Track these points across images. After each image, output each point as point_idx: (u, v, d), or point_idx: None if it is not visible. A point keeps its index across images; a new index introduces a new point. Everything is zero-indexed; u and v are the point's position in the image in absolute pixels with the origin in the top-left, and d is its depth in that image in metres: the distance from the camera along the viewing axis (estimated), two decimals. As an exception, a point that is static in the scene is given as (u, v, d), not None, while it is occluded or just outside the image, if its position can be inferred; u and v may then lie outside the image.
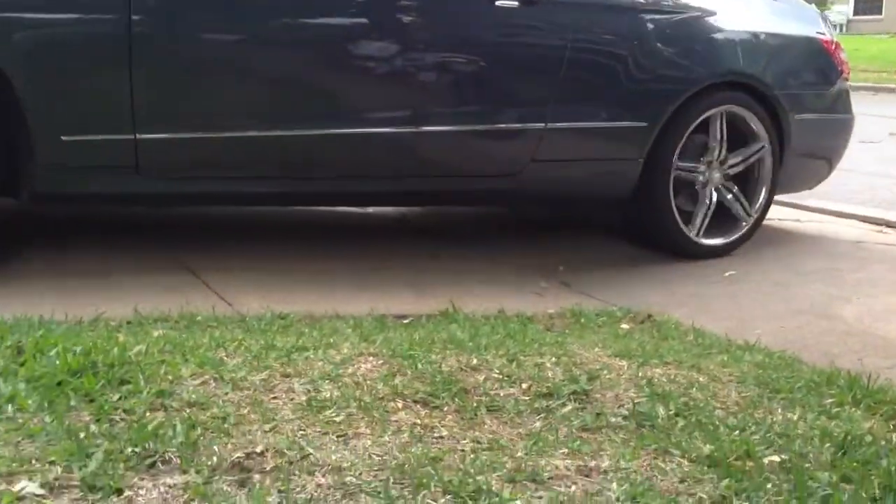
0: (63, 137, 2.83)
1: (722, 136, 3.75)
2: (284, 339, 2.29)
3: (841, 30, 29.53)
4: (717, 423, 1.90)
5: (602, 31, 3.58)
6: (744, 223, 3.86)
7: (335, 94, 3.29)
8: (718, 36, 3.79)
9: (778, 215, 4.82)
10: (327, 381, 1.97)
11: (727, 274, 3.59)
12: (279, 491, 1.44)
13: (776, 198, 5.05)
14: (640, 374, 2.24)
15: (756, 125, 3.81)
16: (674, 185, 3.68)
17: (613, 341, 2.58)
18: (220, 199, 3.45)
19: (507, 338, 2.51)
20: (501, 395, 2.03)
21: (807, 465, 1.69)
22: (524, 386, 2.09)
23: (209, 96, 3.06)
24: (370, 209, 4.53)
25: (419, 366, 2.15)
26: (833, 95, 4.13)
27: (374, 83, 3.30)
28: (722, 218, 3.83)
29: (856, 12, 30.81)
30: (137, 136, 2.90)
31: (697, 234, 3.75)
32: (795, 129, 3.89)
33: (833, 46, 4.13)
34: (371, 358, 2.20)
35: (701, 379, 2.24)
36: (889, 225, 4.57)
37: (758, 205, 3.89)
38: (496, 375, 2.15)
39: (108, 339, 2.05)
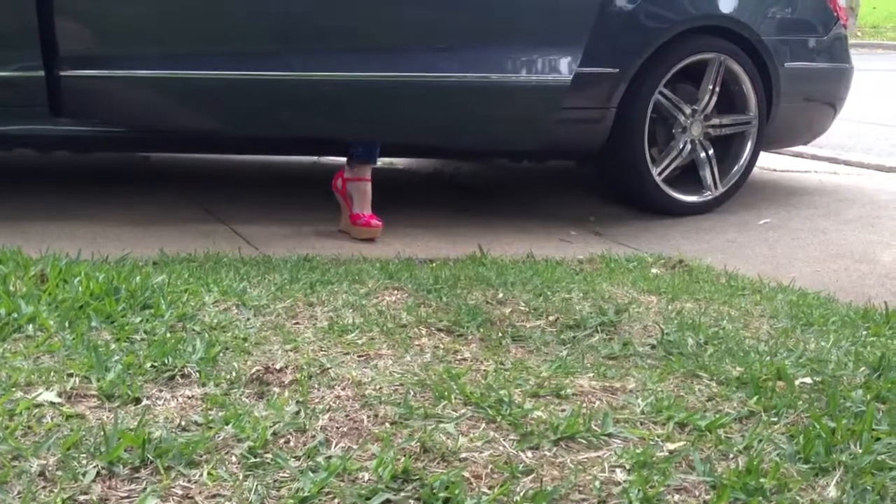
0: None
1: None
2: (309, 275, 2.28)
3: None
4: (748, 349, 1.86)
5: None
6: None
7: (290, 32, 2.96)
8: None
9: (814, 168, 4.72)
10: (350, 310, 1.96)
11: (762, 222, 3.51)
12: (297, 402, 1.42)
13: (813, 151, 4.95)
14: (669, 308, 2.20)
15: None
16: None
17: (643, 282, 2.54)
18: (147, 144, 3.27)
19: (535, 276, 2.47)
20: (528, 326, 2.00)
21: (840, 386, 1.64)
22: (551, 318, 2.06)
23: (135, 30, 2.83)
24: (400, 164, 4.51)
25: (444, 298, 2.13)
26: (828, 43, 3.82)
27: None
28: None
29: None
30: (60, 72, 2.73)
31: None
32: (785, 81, 3.64)
33: None
34: (396, 291, 2.18)
35: (732, 313, 2.19)
36: (932, 177, 4.45)
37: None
38: (522, 308, 2.12)
39: (131, 270, 2.05)
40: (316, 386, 1.49)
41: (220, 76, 2.88)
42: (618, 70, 3.38)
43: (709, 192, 3.64)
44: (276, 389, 1.47)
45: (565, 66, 3.23)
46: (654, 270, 2.81)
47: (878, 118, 6.69)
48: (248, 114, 3.02)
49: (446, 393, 1.47)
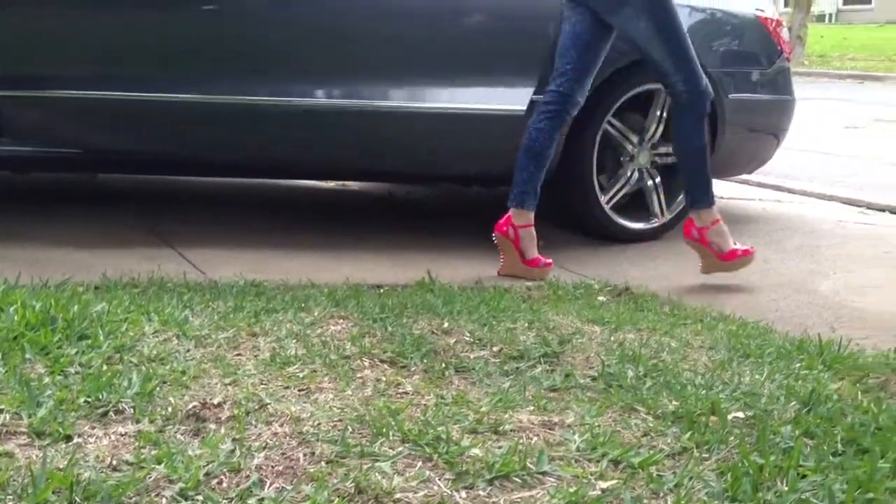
0: None
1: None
2: (254, 303, 2.27)
3: (829, 20, 29.45)
4: (685, 382, 1.89)
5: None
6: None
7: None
8: None
9: (759, 196, 4.82)
10: (294, 340, 1.95)
11: (707, 249, 3.57)
12: (233, 439, 1.41)
13: (759, 179, 5.05)
14: (612, 339, 2.22)
15: None
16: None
17: (588, 310, 2.57)
18: (90, 165, 3.30)
19: (482, 304, 2.48)
20: (471, 357, 2.01)
21: (771, 421, 1.67)
22: (495, 349, 2.07)
23: (68, 52, 2.84)
24: (353, 186, 4.51)
25: (389, 328, 2.13)
26: (771, 76, 3.94)
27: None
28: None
29: (845, 2, 30.65)
30: None
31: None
32: (730, 111, 3.72)
33: (773, 24, 3.94)
34: (341, 320, 2.18)
35: (672, 344, 2.23)
36: (870, 206, 4.57)
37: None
38: (467, 339, 2.13)
39: (70, 297, 2.02)
40: (253, 422, 1.48)
41: (155, 98, 2.87)
42: None
43: (656, 220, 3.71)
44: (213, 426, 1.47)
45: (519, 96, 3.27)
46: (600, 298, 2.85)
47: (823, 147, 6.85)
48: (187, 136, 3.01)
49: (384, 430, 1.48)
